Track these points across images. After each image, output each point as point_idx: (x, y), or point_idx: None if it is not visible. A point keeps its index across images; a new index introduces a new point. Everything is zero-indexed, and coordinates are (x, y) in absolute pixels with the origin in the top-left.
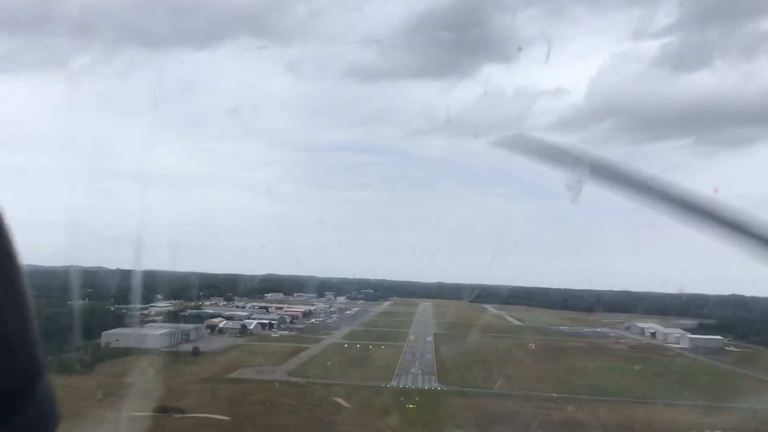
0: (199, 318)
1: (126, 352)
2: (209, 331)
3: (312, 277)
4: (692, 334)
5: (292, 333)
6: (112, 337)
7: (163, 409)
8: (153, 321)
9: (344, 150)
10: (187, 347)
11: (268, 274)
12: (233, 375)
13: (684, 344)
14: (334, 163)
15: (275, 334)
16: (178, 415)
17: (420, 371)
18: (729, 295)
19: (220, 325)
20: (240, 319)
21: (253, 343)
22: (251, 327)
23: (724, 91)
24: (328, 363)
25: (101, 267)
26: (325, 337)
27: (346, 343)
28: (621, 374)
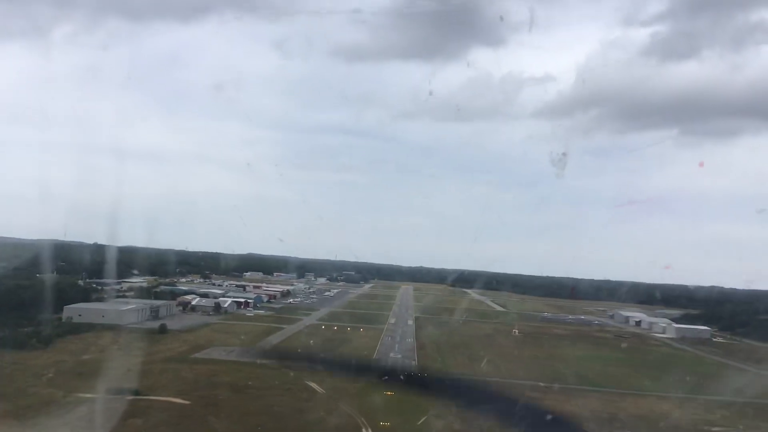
0: (172, 295)
1: (88, 327)
2: (181, 308)
3: (293, 257)
4: (678, 323)
5: (268, 312)
6: (75, 311)
7: (116, 391)
8: (124, 296)
9: (329, 131)
10: (155, 324)
11: (249, 254)
12: (200, 355)
13: (670, 334)
14: (319, 144)
15: (250, 313)
16: (131, 398)
17: (400, 356)
18: (709, 287)
19: (193, 303)
20: (215, 297)
21: (225, 321)
22: (225, 305)
23: (711, 82)
24: (304, 345)
25: (80, 242)
26: (302, 317)
27: (323, 325)
28: (609, 364)
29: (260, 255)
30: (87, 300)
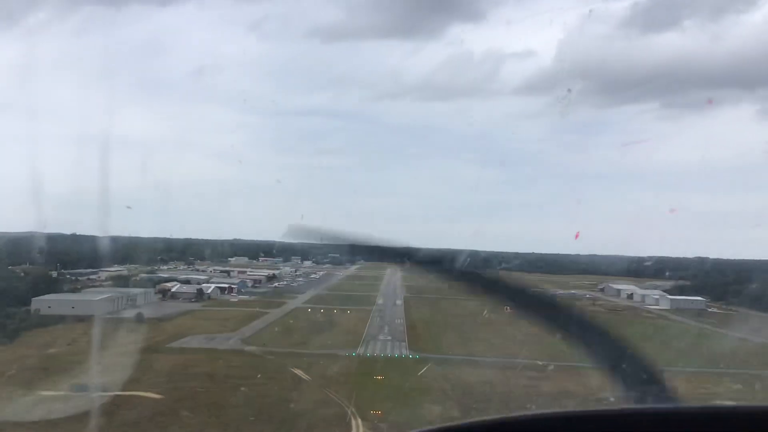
0: (151, 282)
1: (58, 319)
2: (160, 296)
3: (279, 242)
4: (671, 295)
5: (253, 297)
6: (43, 303)
7: (82, 387)
8: (101, 286)
9: (311, 114)
10: (131, 313)
11: (235, 239)
12: (177, 344)
13: (664, 305)
14: (301, 127)
15: (234, 298)
16: (99, 394)
17: (389, 337)
18: (695, 258)
19: (173, 290)
20: (198, 283)
21: (208, 308)
22: (208, 291)
23: (692, 53)
24: (289, 329)
25: (59, 233)
26: (287, 301)
27: (309, 308)
28: None
29: (246, 240)
30: (59, 291)
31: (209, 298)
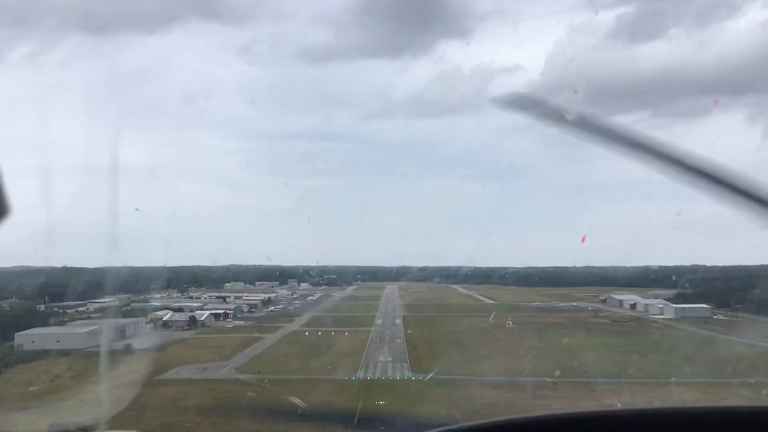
0: (143, 311)
1: (41, 354)
2: (152, 325)
3: (275, 266)
4: (674, 303)
5: (249, 322)
6: (27, 338)
7: (61, 427)
8: (89, 318)
9: (302, 137)
10: (119, 345)
11: (231, 265)
12: (167, 376)
13: (669, 314)
14: (293, 150)
15: (229, 324)
16: None
17: (390, 359)
18: (691, 266)
19: (165, 318)
20: (191, 311)
21: (201, 336)
22: (202, 318)
23: (679, 61)
24: (286, 354)
25: (50, 266)
26: (284, 325)
27: (306, 331)
28: (616, 351)
29: (242, 266)
30: (45, 325)
31: (203, 325)
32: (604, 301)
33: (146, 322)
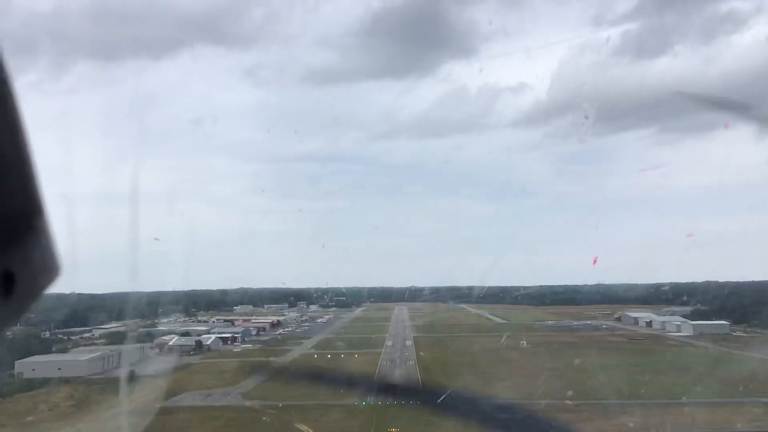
0: (149, 337)
1: (42, 383)
2: (157, 350)
3: (284, 288)
4: (691, 320)
5: (257, 346)
6: (27, 366)
7: None
8: (93, 344)
9: (310, 159)
10: (122, 372)
11: (240, 288)
12: (170, 403)
13: (687, 332)
14: (301, 173)
15: (237, 348)
16: None
17: (401, 382)
18: (703, 282)
19: (170, 343)
20: (198, 335)
21: (207, 360)
22: (208, 342)
23: (685, 77)
24: (293, 378)
25: (59, 293)
26: (293, 348)
27: (315, 354)
28: (637, 371)
29: (252, 288)
30: (47, 352)
31: (209, 349)
32: (618, 319)
33: (151, 348)
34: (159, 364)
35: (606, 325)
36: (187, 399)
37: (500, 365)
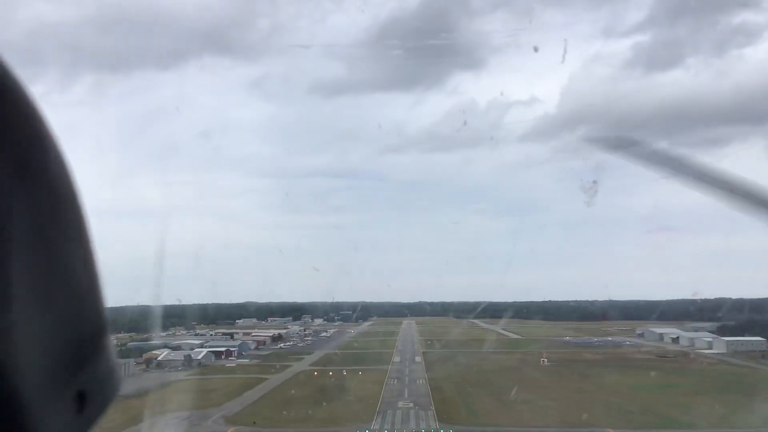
0: (138, 351)
1: None
2: (144, 365)
3: (290, 302)
4: (724, 336)
5: (253, 361)
6: None
7: None
8: None
9: (316, 173)
10: None
11: (246, 302)
12: (136, 428)
13: (720, 349)
14: (308, 187)
15: (231, 363)
16: None
17: (411, 404)
18: (717, 299)
19: (159, 358)
20: (191, 349)
21: (195, 377)
22: (199, 357)
23: (697, 91)
24: (289, 400)
25: None
26: (292, 363)
27: (316, 371)
28: (680, 393)
29: (256, 302)
30: None
31: (200, 364)
32: (641, 335)
33: (138, 363)
34: (141, 382)
35: (629, 341)
36: (159, 423)
37: (522, 385)
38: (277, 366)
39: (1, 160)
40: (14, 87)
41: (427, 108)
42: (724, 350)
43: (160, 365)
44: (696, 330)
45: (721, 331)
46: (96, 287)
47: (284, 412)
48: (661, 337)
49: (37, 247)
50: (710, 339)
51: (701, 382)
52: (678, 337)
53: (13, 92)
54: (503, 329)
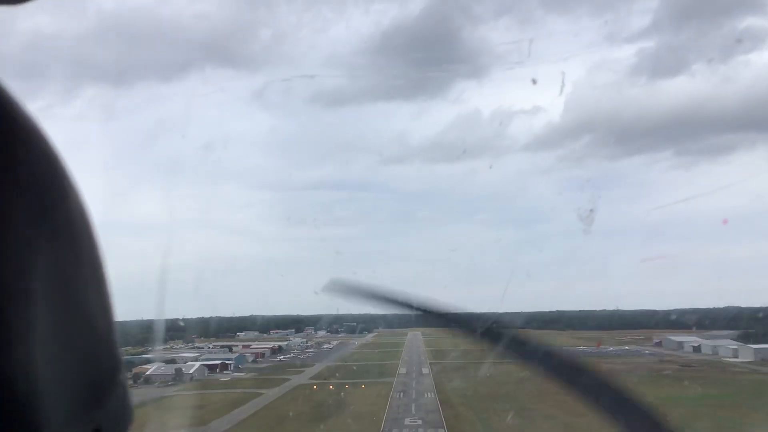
0: (129, 365)
1: None
2: (131, 381)
3: (294, 315)
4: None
5: (250, 374)
6: None
7: None
8: None
9: (319, 185)
10: None
11: (250, 315)
12: None
13: (747, 357)
14: (311, 199)
15: (225, 377)
16: None
17: (419, 421)
18: (725, 307)
19: (148, 372)
20: (184, 362)
21: (184, 392)
22: (191, 371)
23: (703, 97)
24: (284, 417)
25: None
26: (291, 377)
27: (315, 384)
28: (718, 405)
29: (260, 315)
30: None
31: (192, 379)
32: (658, 344)
33: (126, 378)
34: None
35: (647, 350)
36: None
37: (541, 399)
38: (274, 379)
39: (24, 207)
40: (33, 130)
41: (430, 117)
42: (751, 358)
43: (149, 380)
44: (715, 338)
45: (744, 339)
46: (112, 329)
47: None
48: (680, 345)
49: (59, 293)
50: (735, 347)
51: (739, 393)
52: (699, 346)
53: (33, 137)
54: None
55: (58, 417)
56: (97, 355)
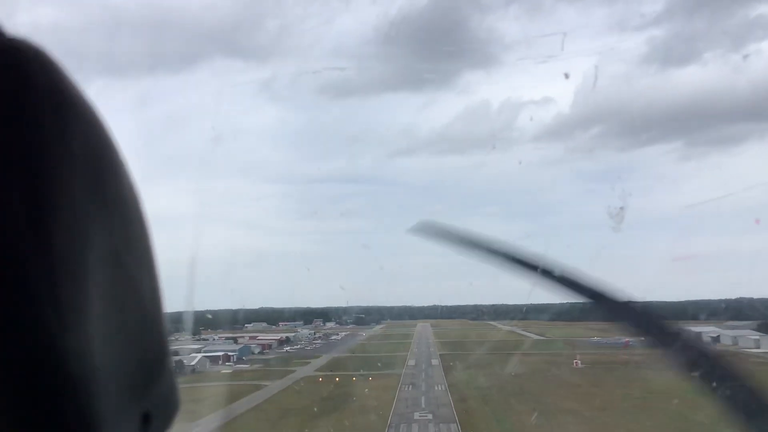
0: None
1: None
2: None
3: (304, 307)
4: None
5: (254, 366)
6: None
7: None
8: None
9: (329, 177)
10: None
11: (260, 308)
12: None
13: None
14: (320, 192)
15: (228, 369)
16: None
17: (430, 415)
18: (737, 299)
19: None
20: (188, 354)
21: (185, 384)
22: (193, 363)
23: (714, 87)
24: (286, 410)
25: None
26: (296, 368)
27: (321, 376)
28: None
29: (269, 308)
30: None
31: (193, 371)
32: None
33: None
34: None
35: None
36: None
37: (560, 392)
38: (279, 371)
39: (78, 178)
40: (83, 102)
41: (438, 108)
42: None
43: None
44: (734, 328)
45: (765, 329)
46: (161, 314)
47: (277, 426)
48: (698, 335)
49: (112, 271)
50: (757, 337)
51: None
52: (718, 336)
53: (84, 109)
54: (524, 330)
55: (109, 401)
56: (147, 340)
